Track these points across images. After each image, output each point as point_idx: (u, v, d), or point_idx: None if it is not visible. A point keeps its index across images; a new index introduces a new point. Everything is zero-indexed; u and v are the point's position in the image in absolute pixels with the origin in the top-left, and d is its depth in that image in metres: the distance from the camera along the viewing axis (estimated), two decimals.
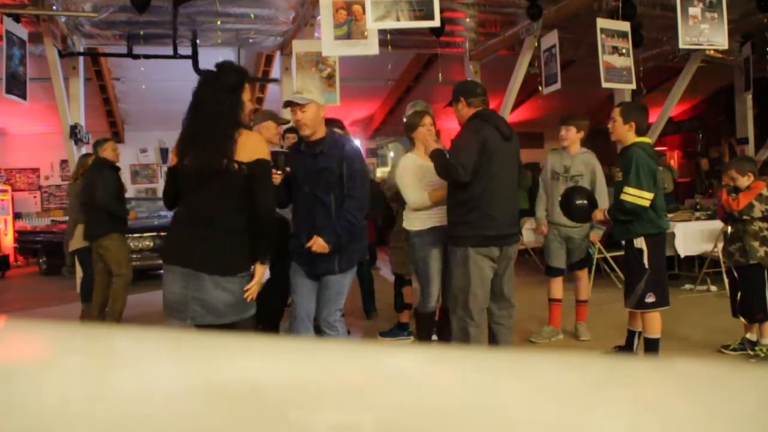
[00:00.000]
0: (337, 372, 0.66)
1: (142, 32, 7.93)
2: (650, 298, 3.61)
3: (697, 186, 13.59)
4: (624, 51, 7.02)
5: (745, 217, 3.94)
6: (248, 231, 2.62)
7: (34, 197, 12.28)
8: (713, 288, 6.21)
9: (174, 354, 0.74)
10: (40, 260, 10.04)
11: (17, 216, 11.57)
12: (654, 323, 3.68)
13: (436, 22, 5.38)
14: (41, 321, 0.92)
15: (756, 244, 3.90)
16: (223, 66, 2.72)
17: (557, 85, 7.48)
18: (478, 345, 3.39)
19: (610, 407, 0.54)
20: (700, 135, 14.14)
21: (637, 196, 3.48)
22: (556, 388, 0.58)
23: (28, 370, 0.69)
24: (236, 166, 2.55)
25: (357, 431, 0.53)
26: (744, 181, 3.97)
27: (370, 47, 5.54)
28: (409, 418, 0.51)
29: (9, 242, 10.92)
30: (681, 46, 6.22)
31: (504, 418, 0.52)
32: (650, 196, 3.48)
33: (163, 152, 11.79)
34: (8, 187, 11.35)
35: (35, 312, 6.48)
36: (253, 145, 2.58)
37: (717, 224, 6.04)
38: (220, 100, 2.58)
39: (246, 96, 2.67)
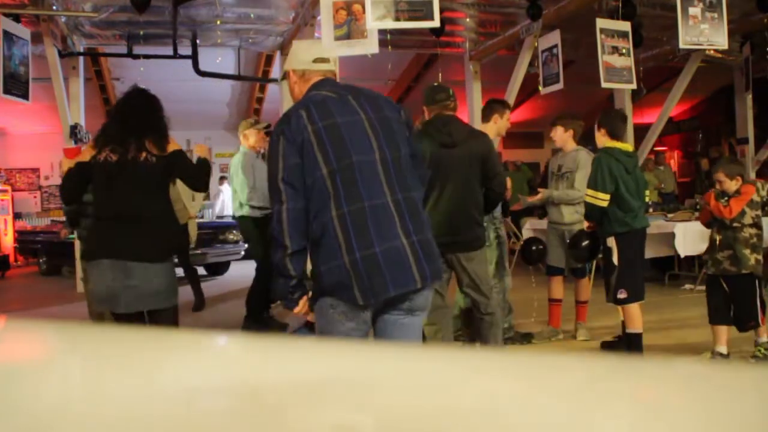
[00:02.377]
0: (337, 372, 0.66)
1: (142, 32, 7.94)
2: (621, 294, 3.78)
3: (697, 186, 13.60)
4: (624, 51, 7.02)
5: (735, 224, 3.74)
6: (166, 221, 2.99)
7: (34, 197, 12.29)
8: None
9: (173, 354, 0.74)
10: (40, 260, 10.04)
11: (17, 216, 11.58)
12: (632, 318, 3.81)
13: (435, 23, 5.39)
14: (41, 321, 0.92)
15: (747, 252, 3.72)
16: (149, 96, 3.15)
17: (559, 85, 7.48)
18: (439, 339, 3.52)
19: (609, 408, 0.54)
20: (700, 135, 14.15)
21: (593, 197, 3.77)
22: (556, 388, 0.58)
23: (28, 370, 0.69)
24: (153, 159, 2.93)
25: (357, 431, 0.53)
26: (732, 185, 3.76)
27: (370, 46, 5.53)
28: (409, 418, 0.51)
29: (9, 242, 10.92)
30: (681, 46, 6.22)
31: (503, 418, 0.52)
32: (606, 197, 3.73)
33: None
34: (8, 187, 11.35)
35: (35, 312, 6.48)
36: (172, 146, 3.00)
37: None
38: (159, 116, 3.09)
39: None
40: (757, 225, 3.77)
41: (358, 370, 0.68)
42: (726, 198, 3.76)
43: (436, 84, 3.69)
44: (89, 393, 0.60)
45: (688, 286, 6.49)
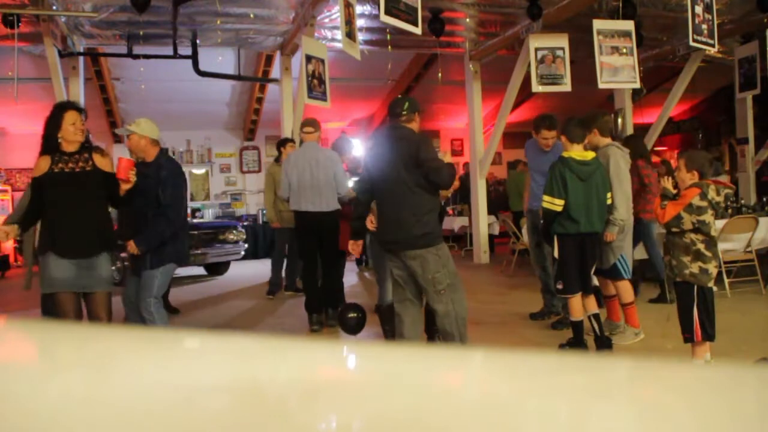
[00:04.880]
0: (336, 372, 0.66)
1: (142, 32, 7.93)
2: (559, 285, 4.23)
3: None
4: (625, 50, 7.02)
5: (674, 229, 3.53)
6: (47, 225, 3.57)
7: None
8: (713, 288, 6.20)
9: (173, 354, 0.75)
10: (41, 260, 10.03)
11: None
12: (572, 307, 4.22)
13: (417, 30, 5.56)
14: (41, 321, 0.92)
15: (687, 259, 3.49)
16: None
17: (567, 87, 7.48)
18: (399, 330, 3.73)
19: (609, 408, 0.54)
20: (700, 135, 14.14)
21: (549, 202, 4.10)
22: (556, 388, 0.58)
23: (28, 370, 0.69)
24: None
25: (357, 431, 0.53)
26: (686, 177, 3.53)
27: (356, 51, 5.74)
28: (409, 418, 0.51)
29: (9, 242, 10.91)
30: (691, 44, 6.19)
31: (503, 418, 0.52)
32: (561, 202, 4.06)
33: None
34: (8, 187, 11.34)
35: (35, 312, 6.48)
36: (37, 165, 3.51)
37: (717, 224, 6.03)
38: (44, 131, 3.55)
39: (67, 121, 3.48)
40: (701, 231, 3.47)
41: (357, 369, 0.68)
42: (666, 201, 3.61)
43: (397, 97, 3.99)
44: (89, 393, 0.60)
45: None
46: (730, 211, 6.79)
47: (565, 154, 4.14)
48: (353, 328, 4.69)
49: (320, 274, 5.40)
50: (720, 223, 5.85)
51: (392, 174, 3.54)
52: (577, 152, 4.12)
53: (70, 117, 3.47)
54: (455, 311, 3.59)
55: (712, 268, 3.53)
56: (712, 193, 3.46)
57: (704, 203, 3.44)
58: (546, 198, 4.14)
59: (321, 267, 5.36)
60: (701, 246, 3.49)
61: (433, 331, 4.37)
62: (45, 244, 3.53)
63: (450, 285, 3.58)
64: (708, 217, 3.47)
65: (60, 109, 3.53)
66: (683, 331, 3.61)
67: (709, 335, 3.57)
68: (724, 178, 7.11)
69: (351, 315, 4.68)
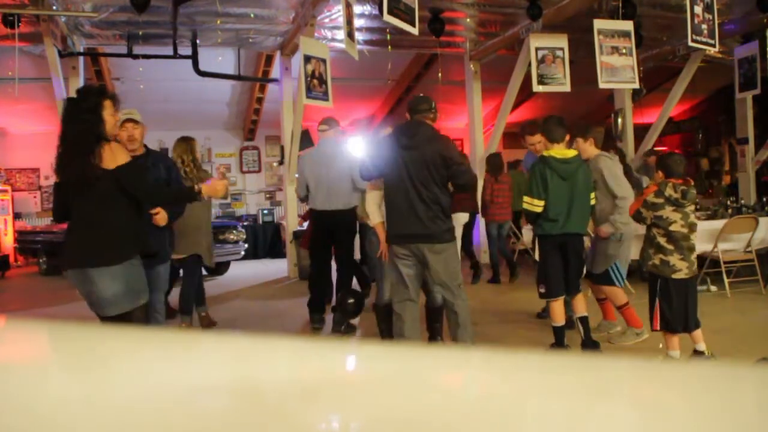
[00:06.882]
0: (336, 372, 0.66)
1: (141, 32, 7.93)
2: (541, 289, 4.13)
3: (697, 186, 13.56)
4: (624, 50, 7.02)
5: (640, 223, 3.85)
6: (126, 226, 2.97)
7: (34, 197, 12.26)
8: (713, 288, 6.21)
9: (173, 354, 0.75)
10: (40, 260, 10.03)
11: (17, 216, 11.56)
12: (553, 312, 4.13)
13: (415, 30, 5.59)
14: (41, 321, 0.92)
15: (651, 251, 3.74)
16: (83, 90, 3.15)
17: (566, 87, 7.48)
18: (399, 330, 3.70)
19: (609, 408, 0.54)
20: (700, 135, 14.14)
21: (529, 203, 4.03)
22: (556, 388, 0.58)
23: (28, 370, 0.69)
24: (103, 173, 2.91)
25: (356, 431, 0.53)
26: (657, 177, 3.85)
27: (354, 50, 5.74)
28: (409, 418, 0.51)
29: (9, 242, 10.91)
30: (690, 44, 6.18)
31: (503, 418, 0.52)
32: (540, 203, 3.98)
33: (163, 152, 11.82)
34: (8, 187, 11.33)
35: (35, 312, 6.48)
36: (111, 155, 2.91)
37: (717, 224, 6.05)
38: (82, 119, 2.96)
39: (107, 112, 2.97)
40: (659, 225, 3.68)
41: (357, 369, 0.68)
42: None
43: (420, 95, 3.91)
44: (89, 392, 0.60)
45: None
46: (730, 210, 6.80)
47: (545, 153, 4.06)
48: (352, 312, 4.86)
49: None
50: (720, 223, 5.98)
51: (421, 170, 3.57)
52: (557, 150, 4.04)
53: (109, 107, 2.99)
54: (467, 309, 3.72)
55: (675, 261, 3.66)
56: (669, 191, 3.67)
57: (659, 200, 3.68)
58: (526, 199, 4.08)
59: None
60: (662, 240, 3.69)
61: (434, 330, 4.36)
62: (133, 248, 2.98)
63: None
64: (666, 212, 3.67)
65: (99, 96, 2.99)
66: (650, 319, 3.78)
67: (671, 327, 3.69)
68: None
69: (350, 300, 4.85)
